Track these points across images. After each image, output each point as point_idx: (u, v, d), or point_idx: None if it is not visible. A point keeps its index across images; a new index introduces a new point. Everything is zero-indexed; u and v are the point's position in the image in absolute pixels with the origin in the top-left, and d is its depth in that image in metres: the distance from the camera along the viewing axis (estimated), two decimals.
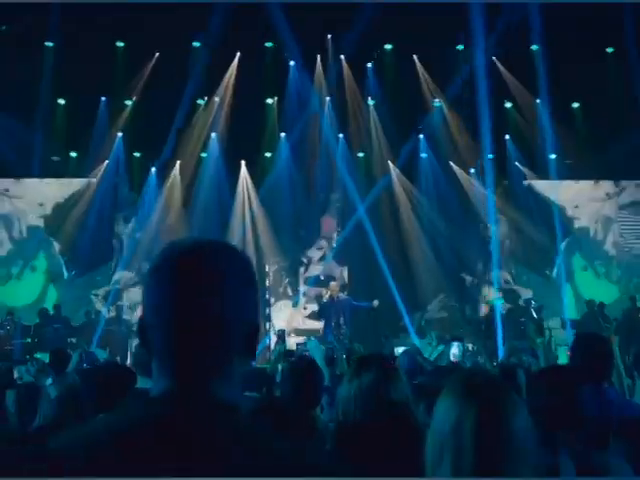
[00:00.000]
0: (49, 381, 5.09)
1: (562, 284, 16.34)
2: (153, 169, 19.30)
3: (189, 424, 1.36)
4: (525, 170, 19.09)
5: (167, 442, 1.33)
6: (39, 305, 17.30)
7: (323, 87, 18.73)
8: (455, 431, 2.11)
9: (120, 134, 19.17)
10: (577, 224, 17.07)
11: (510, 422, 2.11)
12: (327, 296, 15.12)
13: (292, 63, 18.71)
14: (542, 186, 17.98)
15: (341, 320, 14.42)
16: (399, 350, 11.59)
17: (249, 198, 19.31)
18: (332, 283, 15.42)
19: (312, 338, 11.88)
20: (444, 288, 19.08)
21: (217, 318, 1.43)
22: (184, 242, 1.51)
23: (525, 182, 18.46)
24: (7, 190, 17.99)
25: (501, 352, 12.25)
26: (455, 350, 9.19)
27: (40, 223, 18.15)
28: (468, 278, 19.19)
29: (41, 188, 18.36)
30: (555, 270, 17.25)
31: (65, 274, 18.37)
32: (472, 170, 19.25)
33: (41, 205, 18.21)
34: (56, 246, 18.23)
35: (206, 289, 1.43)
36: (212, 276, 1.44)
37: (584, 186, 17.27)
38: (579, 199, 17.15)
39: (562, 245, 16.88)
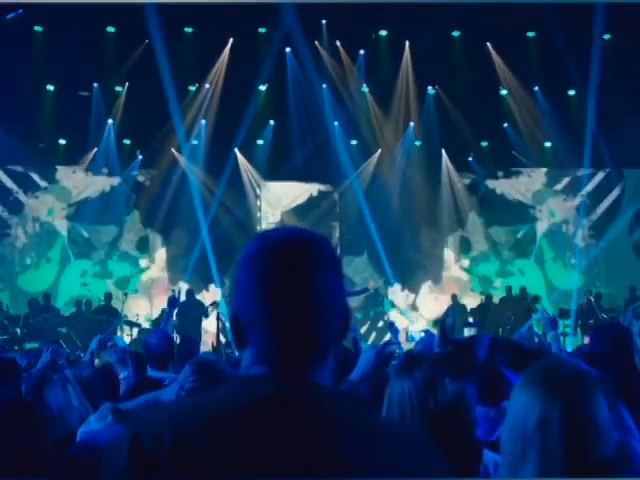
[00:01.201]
0: (124, 374, 4.81)
1: (575, 275, 17.27)
2: (140, 157, 19.14)
3: (295, 403, 1.39)
4: (523, 158, 19.13)
5: (279, 420, 1.36)
6: (53, 291, 17.67)
7: (319, 74, 18.44)
8: (541, 426, 2.06)
9: (110, 121, 18.90)
10: (551, 220, 18.05)
11: (596, 412, 2.08)
12: None
13: (288, 49, 18.42)
14: (519, 184, 18.67)
15: None
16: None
17: (258, 186, 19.35)
18: None
19: None
20: (430, 275, 19.25)
21: (319, 306, 1.46)
22: (278, 232, 1.54)
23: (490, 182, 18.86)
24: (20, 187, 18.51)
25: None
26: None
27: (50, 219, 18.60)
28: (453, 270, 19.42)
29: (53, 181, 18.85)
30: (532, 259, 18.18)
31: (73, 264, 18.76)
32: (470, 158, 19.19)
33: (55, 200, 18.68)
34: (66, 238, 18.73)
35: (308, 278, 1.45)
36: (313, 265, 1.46)
37: (559, 185, 18.24)
38: (553, 197, 18.18)
39: (538, 239, 18.01)
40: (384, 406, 2.74)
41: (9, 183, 18.32)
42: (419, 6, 15.28)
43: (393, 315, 18.11)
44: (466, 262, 19.16)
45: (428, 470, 1.40)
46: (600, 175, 18.01)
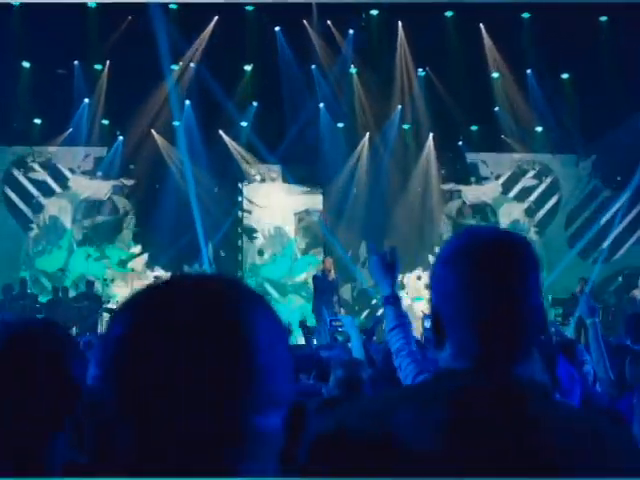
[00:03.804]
0: None
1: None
2: (120, 138, 18.61)
3: (504, 396, 1.39)
4: (513, 143, 19.07)
5: (489, 414, 1.36)
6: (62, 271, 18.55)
7: (307, 54, 17.99)
8: None
9: (87, 100, 18.35)
10: (508, 219, 19.67)
11: None
12: (320, 270, 14.72)
13: (277, 29, 17.92)
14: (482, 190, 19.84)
15: (334, 299, 14.09)
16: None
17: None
18: (327, 259, 14.96)
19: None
20: (418, 264, 19.16)
21: (521, 305, 1.46)
22: (482, 231, 1.61)
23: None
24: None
25: None
26: None
27: (57, 212, 19.18)
28: (432, 258, 19.16)
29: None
30: None
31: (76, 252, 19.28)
32: (460, 143, 19.03)
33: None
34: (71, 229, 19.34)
35: (513, 277, 1.47)
36: (518, 265, 1.48)
37: (512, 193, 19.95)
38: (508, 202, 19.93)
39: None
40: None
41: (30, 188, 19.08)
42: None
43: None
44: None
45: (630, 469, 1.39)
46: (543, 185, 19.71)
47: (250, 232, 19.13)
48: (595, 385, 5.12)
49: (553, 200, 19.52)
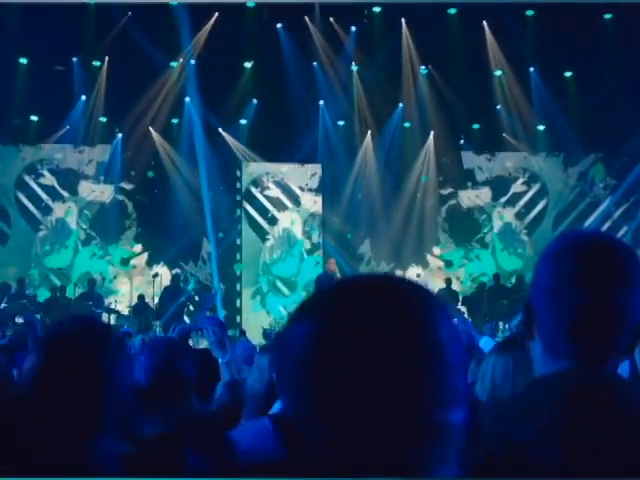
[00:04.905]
0: (226, 358, 4.16)
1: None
2: (119, 135, 18.47)
3: (602, 394, 1.43)
4: (514, 142, 19.05)
5: (591, 413, 1.40)
6: (68, 269, 18.94)
7: (309, 51, 17.86)
8: None
9: (84, 97, 18.20)
10: (501, 222, 20.27)
11: None
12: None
13: (279, 25, 17.74)
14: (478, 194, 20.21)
15: None
16: None
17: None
18: (331, 260, 14.89)
19: None
20: (416, 262, 19.32)
21: (616, 311, 1.47)
22: (585, 234, 1.64)
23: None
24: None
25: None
26: None
27: (64, 215, 19.44)
28: (430, 257, 19.60)
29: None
30: (489, 250, 20.17)
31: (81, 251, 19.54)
32: (461, 141, 18.96)
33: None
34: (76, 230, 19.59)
35: (609, 282, 1.47)
36: (616, 270, 1.48)
37: (504, 198, 20.36)
38: (500, 207, 20.40)
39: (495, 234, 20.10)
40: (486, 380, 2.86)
41: (40, 192, 19.26)
42: None
43: None
44: (437, 250, 19.78)
45: None
46: (532, 191, 20.16)
47: (256, 231, 19.13)
48: None
49: (541, 205, 19.97)
